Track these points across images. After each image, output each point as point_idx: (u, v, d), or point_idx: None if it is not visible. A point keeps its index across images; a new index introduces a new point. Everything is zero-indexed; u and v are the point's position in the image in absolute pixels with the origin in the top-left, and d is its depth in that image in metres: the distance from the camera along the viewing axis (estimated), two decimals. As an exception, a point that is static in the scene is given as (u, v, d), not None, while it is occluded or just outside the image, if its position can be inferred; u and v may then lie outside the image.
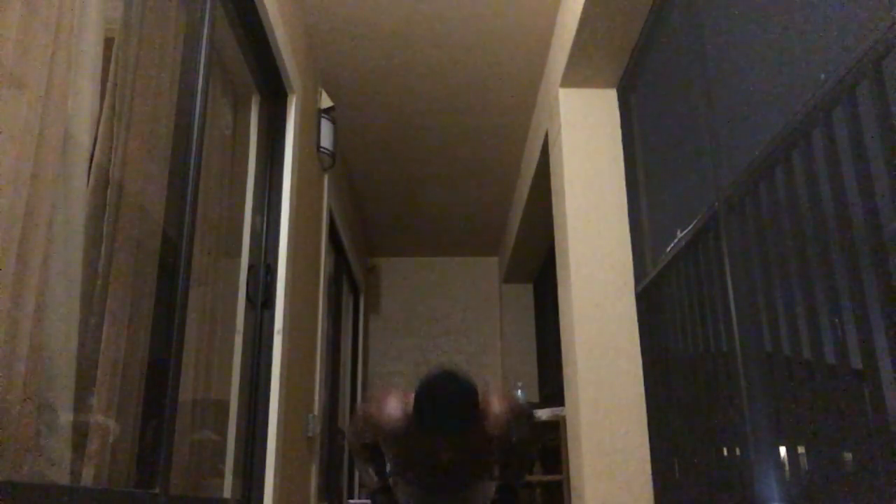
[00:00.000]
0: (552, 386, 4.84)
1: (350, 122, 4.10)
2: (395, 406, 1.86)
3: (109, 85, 1.53)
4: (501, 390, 1.96)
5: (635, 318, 2.87)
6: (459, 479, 1.92)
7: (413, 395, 1.76)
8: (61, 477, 1.27)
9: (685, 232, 2.34)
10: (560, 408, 3.75)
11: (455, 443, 1.74)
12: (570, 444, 3.05)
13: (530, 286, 6.17)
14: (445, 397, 1.67)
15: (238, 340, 2.55)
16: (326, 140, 3.51)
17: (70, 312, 1.33)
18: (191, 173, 1.85)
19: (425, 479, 1.93)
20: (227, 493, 2.37)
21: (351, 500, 4.98)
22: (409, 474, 1.97)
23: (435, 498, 2.02)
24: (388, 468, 2.11)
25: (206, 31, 2.01)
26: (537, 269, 5.75)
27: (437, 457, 1.78)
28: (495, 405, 1.86)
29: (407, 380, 5.93)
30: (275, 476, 2.53)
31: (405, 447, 1.85)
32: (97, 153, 1.46)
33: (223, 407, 2.42)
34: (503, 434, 1.85)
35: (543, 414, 4.10)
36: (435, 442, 1.74)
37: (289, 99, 2.98)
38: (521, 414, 1.91)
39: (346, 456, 4.99)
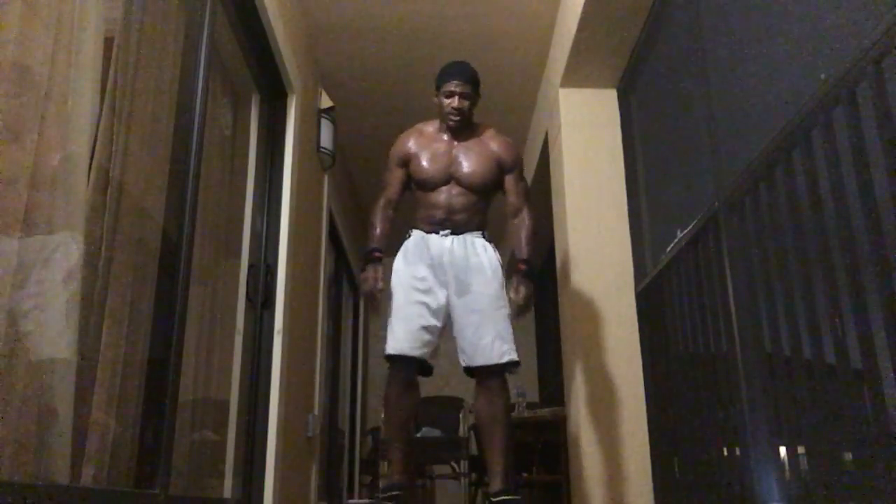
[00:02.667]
0: (552, 386, 4.84)
1: (350, 122, 4.10)
2: (412, 129, 2.70)
3: (109, 85, 1.53)
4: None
5: (635, 317, 2.87)
6: (466, 176, 2.43)
7: None
8: (61, 477, 1.27)
9: (685, 232, 2.34)
10: (560, 408, 3.75)
11: (464, 91, 2.43)
12: (570, 444, 3.05)
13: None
14: (459, 61, 2.51)
15: (238, 340, 2.55)
16: (326, 140, 3.51)
17: (70, 312, 1.33)
18: (191, 173, 1.84)
19: (439, 185, 2.44)
20: (227, 493, 2.37)
21: (351, 500, 4.98)
22: (426, 199, 2.48)
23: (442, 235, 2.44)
24: None
25: (206, 31, 2.01)
26: (537, 269, 5.74)
27: (453, 112, 2.43)
28: (494, 128, 2.55)
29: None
30: (275, 476, 2.53)
31: (425, 146, 2.54)
32: (97, 153, 1.46)
33: (223, 407, 2.42)
34: (498, 146, 2.48)
35: (543, 414, 4.10)
36: (451, 92, 2.44)
37: (289, 99, 2.98)
38: (513, 145, 2.55)
39: (346, 456, 4.99)
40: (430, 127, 2.57)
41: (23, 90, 1.20)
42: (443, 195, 2.40)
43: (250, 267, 2.68)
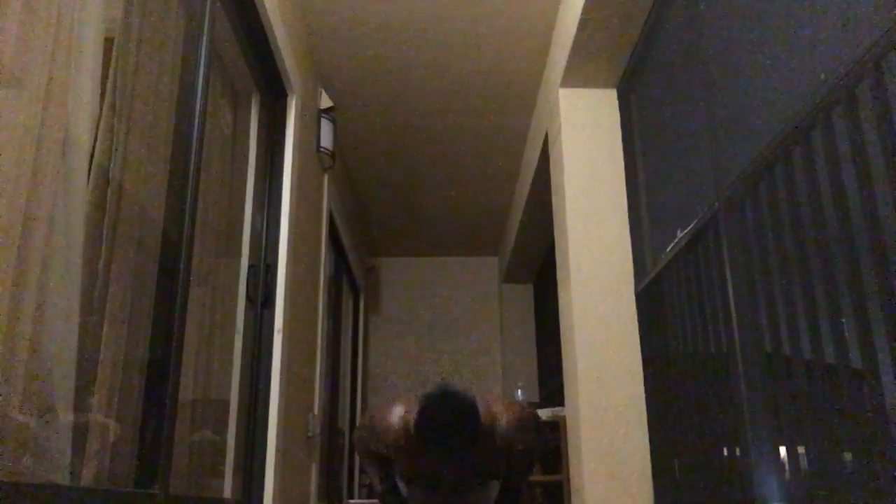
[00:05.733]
0: (552, 386, 4.84)
1: (350, 122, 4.10)
2: (396, 421, 1.89)
3: (109, 85, 1.53)
4: (505, 400, 1.99)
5: (635, 317, 2.87)
6: (463, 489, 1.94)
7: (413, 406, 1.80)
8: (61, 477, 1.27)
9: (685, 232, 2.34)
10: (560, 408, 3.75)
11: (458, 460, 1.76)
12: (570, 444, 3.05)
13: (530, 286, 6.17)
14: (445, 419, 1.67)
15: (238, 340, 2.55)
16: (326, 140, 3.51)
17: (70, 312, 1.33)
18: (191, 173, 1.84)
19: (430, 491, 1.96)
20: (227, 493, 2.37)
21: (351, 501, 4.98)
22: (415, 485, 2.02)
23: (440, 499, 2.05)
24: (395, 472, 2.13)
25: (206, 31, 2.01)
26: (537, 269, 5.75)
27: (441, 472, 1.80)
28: (500, 418, 1.87)
29: (404, 381, 5.93)
30: (275, 476, 2.53)
31: (409, 460, 1.88)
32: (97, 153, 1.46)
33: (223, 407, 2.42)
34: (509, 445, 1.88)
35: (543, 414, 4.10)
36: (439, 460, 1.75)
37: (289, 99, 2.98)
38: (527, 423, 1.93)
39: (346, 456, 4.99)
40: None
41: (22, 90, 1.20)
42: None
43: (250, 267, 2.68)
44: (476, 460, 1.82)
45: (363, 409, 5.62)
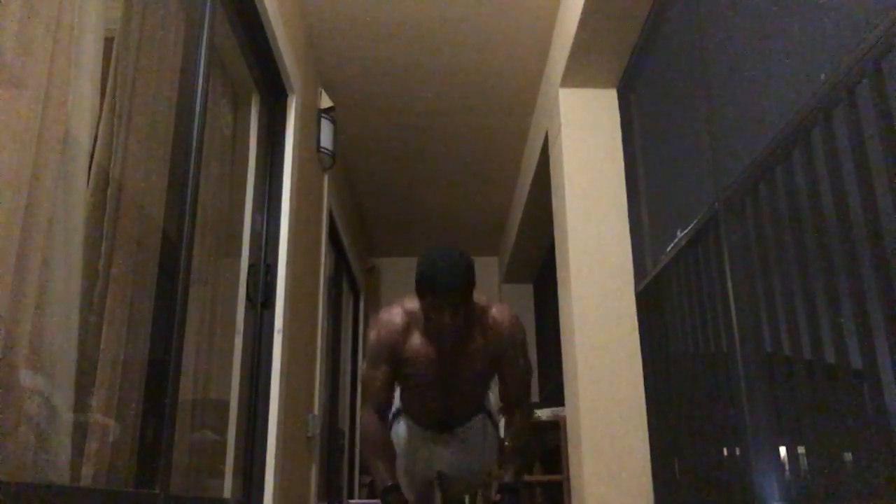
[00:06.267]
0: (552, 386, 4.84)
1: (350, 122, 4.10)
2: (395, 307, 2.14)
3: (109, 85, 1.53)
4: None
5: (635, 317, 2.87)
6: (461, 377, 2.13)
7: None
8: (61, 477, 1.27)
9: (685, 232, 2.34)
10: (560, 408, 3.75)
11: (456, 303, 1.94)
12: (570, 444, 3.05)
13: (530, 286, 6.17)
14: (444, 258, 1.96)
15: (238, 340, 2.55)
16: (326, 140, 3.51)
17: (70, 312, 1.33)
18: (191, 173, 1.84)
19: (431, 390, 2.17)
20: (227, 493, 2.37)
21: (351, 501, 4.98)
22: (416, 398, 2.25)
23: (436, 435, 2.33)
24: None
25: (206, 31, 2.01)
26: (537, 269, 5.75)
27: (442, 323, 1.95)
28: (496, 307, 2.15)
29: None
30: (275, 476, 2.53)
31: (411, 336, 2.10)
32: (97, 153, 1.46)
33: (223, 407, 2.42)
34: (499, 337, 2.10)
35: (543, 414, 4.10)
36: (440, 301, 1.93)
37: (289, 99, 2.98)
38: (518, 328, 2.16)
39: (346, 456, 4.99)
40: (415, 309, 2.07)
41: (22, 90, 1.20)
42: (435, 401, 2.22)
43: (250, 267, 2.68)
44: (469, 316, 2.03)
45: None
